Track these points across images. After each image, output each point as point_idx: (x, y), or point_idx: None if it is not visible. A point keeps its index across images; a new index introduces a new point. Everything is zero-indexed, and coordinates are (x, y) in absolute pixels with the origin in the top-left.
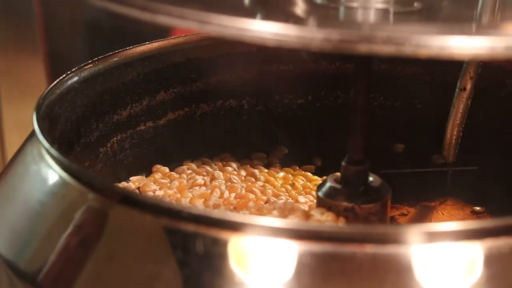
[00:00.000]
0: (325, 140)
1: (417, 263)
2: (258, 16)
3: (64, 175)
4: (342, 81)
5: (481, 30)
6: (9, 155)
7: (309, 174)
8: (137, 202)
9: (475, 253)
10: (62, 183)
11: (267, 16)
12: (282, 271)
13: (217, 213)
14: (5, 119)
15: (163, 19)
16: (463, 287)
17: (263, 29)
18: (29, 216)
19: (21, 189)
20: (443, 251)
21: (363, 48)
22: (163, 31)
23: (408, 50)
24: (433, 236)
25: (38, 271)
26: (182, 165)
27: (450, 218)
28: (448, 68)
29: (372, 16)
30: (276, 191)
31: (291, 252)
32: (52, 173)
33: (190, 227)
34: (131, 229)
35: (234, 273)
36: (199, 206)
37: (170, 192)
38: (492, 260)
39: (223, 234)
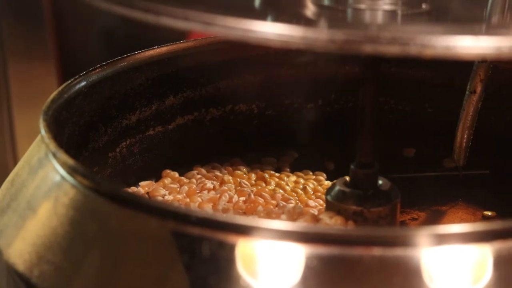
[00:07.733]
0: (336, 144)
1: (425, 266)
2: (263, 17)
3: (71, 179)
4: (352, 85)
5: (487, 30)
6: None
7: (321, 178)
8: (144, 206)
9: (484, 255)
10: (68, 187)
11: (272, 18)
12: (289, 275)
13: (223, 217)
14: (17, 125)
15: (167, 21)
16: None
17: (267, 30)
18: (35, 220)
19: (27, 193)
20: (452, 254)
21: (368, 48)
22: (177, 37)
23: (413, 50)
24: (441, 239)
25: (43, 275)
26: (191, 170)
27: (461, 223)
28: (459, 71)
29: (379, 18)
30: (286, 195)
31: (298, 255)
32: (58, 177)
33: (197, 231)
34: (138, 233)
35: (241, 277)
36: (208, 210)
37: (179, 197)
38: (502, 263)
39: (230, 238)
